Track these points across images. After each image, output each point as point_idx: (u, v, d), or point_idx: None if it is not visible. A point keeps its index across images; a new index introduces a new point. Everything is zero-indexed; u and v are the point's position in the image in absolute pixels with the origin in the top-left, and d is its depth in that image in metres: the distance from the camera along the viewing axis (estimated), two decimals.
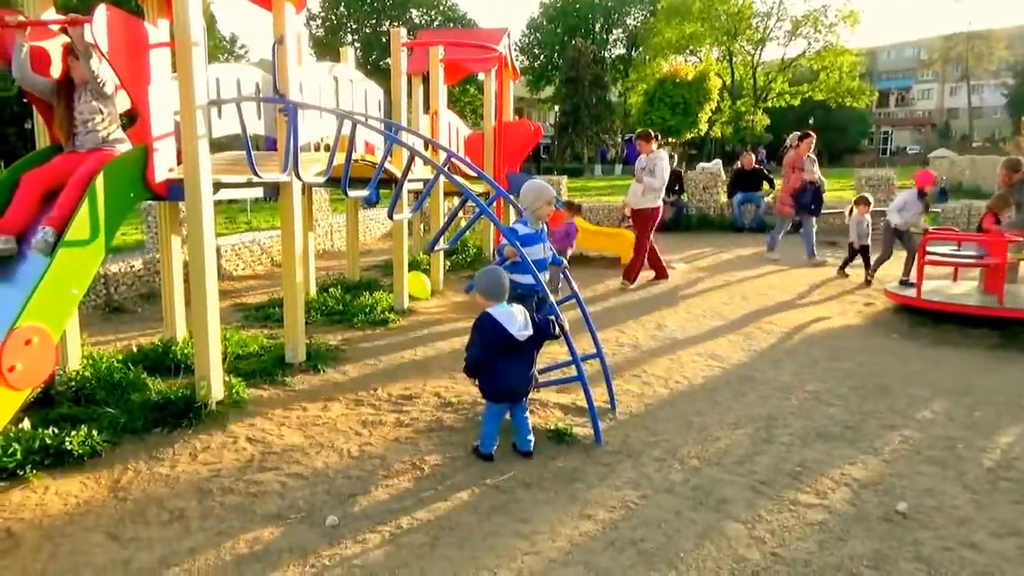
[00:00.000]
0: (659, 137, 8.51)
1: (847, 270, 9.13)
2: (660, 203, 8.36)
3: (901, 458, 3.86)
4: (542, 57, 54.05)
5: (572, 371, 4.27)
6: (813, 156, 10.40)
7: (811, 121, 49.12)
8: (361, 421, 4.31)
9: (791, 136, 13.40)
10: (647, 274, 9.03)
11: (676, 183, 13.77)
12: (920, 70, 70.89)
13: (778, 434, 4.15)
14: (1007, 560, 2.93)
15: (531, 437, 3.82)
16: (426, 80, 8.65)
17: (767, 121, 44.94)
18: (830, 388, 4.96)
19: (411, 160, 4.95)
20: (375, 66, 43.45)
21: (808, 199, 10.15)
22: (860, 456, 3.87)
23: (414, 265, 8.55)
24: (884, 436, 4.15)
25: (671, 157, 14.47)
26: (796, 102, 46.19)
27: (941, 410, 4.56)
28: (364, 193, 5.71)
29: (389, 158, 5.70)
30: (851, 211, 9.04)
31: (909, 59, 72.04)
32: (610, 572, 2.82)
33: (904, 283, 7.57)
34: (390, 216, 5.82)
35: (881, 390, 4.92)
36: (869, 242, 8.77)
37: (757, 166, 14.22)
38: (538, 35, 54.28)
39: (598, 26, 54.48)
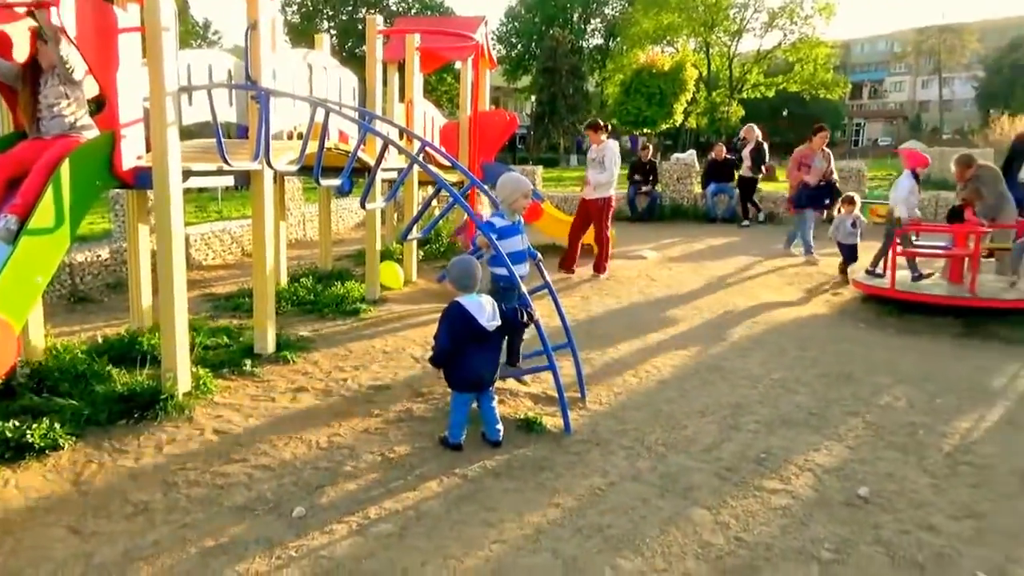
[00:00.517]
0: (608, 128, 8.47)
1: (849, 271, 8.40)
2: (612, 193, 8.30)
3: (864, 444, 3.93)
4: (519, 46, 53.91)
5: (547, 361, 4.29)
6: (827, 151, 9.93)
7: (785, 113, 49.60)
8: (330, 412, 4.30)
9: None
10: (619, 263, 9.09)
11: (651, 173, 13.84)
12: (893, 63, 71.73)
13: (745, 422, 4.21)
14: (963, 542, 3.00)
15: (500, 427, 3.83)
16: (402, 68, 8.58)
17: (742, 112, 45.24)
18: (797, 376, 5.03)
19: (384, 149, 4.92)
20: (351, 54, 43.02)
21: (804, 201, 9.70)
22: (824, 442, 3.94)
23: (387, 255, 8.52)
24: (848, 423, 4.22)
25: (645, 148, 14.58)
26: (771, 93, 46.55)
27: (903, 397, 4.65)
28: (337, 182, 5.67)
29: (363, 147, 5.66)
30: (839, 209, 8.84)
31: (882, 52, 72.88)
32: (577, 558, 2.85)
33: (871, 273, 7.63)
34: (362, 205, 5.78)
35: (846, 378, 5.00)
36: (857, 240, 8.45)
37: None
38: (516, 24, 54.12)
39: (576, 15, 54.41)
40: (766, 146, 13.06)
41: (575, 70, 44.54)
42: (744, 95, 46.85)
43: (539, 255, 4.64)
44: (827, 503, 3.30)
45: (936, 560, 2.87)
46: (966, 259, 7.01)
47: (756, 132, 13.04)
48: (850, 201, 8.60)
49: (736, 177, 13.59)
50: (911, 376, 5.05)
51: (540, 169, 15.26)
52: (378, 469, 3.58)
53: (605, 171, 8.13)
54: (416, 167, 5.04)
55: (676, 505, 3.27)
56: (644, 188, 13.75)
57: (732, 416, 4.29)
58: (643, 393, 4.70)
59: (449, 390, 3.86)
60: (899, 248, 7.06)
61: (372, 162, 5.87)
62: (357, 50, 43.32)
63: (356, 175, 7.59)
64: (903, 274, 7.20)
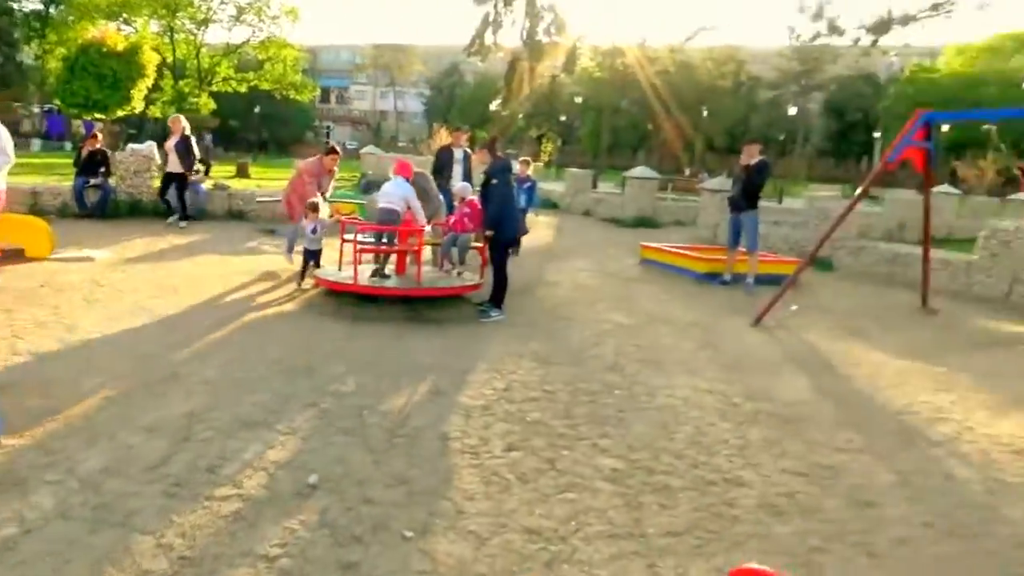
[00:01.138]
0: None
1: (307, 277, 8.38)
2: (3, 185, 6.84)
3: (317, 433, 4.12)
4: None
5: None
6: (336, 170, 9.74)
7: (257, 110, 50.02)
8: None
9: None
10: (57, 267, 7.85)
11: (101, 164, 12.32)
12: (355, 73, 78.38)
13: (199, 430, 4.00)
14: (396, 507, 3.37)
15: None
16: None
17: (213, 105, 43.90)
18: (259, 375, 5.01)
19: None
20: None
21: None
22: (279, 438, 4.00)
23: None
24: (304, 414, 4.37)
25: (94, 136, 12.98)
26: (243, 89, 46.25)
27: (354, 383, 5.02)
28: None
29: None
30: (305, 215, 8.64)
31: (347, 61, 78.98)
32: None
33: (379, 274, 7.81)
34: None
35: (306, 371, 5.18)
36: (320, 245, 8.40)
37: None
38: None
39: None
40: (195, 139, 12.55)
41: (4, 35, 37.11)
42: (215, 88, 45.50)
43: None
44: (278, 498, 3.35)
45: (373, 530, 3.15)
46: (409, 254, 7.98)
47: (183, 123, 12.17)
48: (314, 208, 8.76)
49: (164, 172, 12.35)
50: (361, 362, 5.50)
51: None
52: None
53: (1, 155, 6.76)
54: None
55: (112, 538, 2.92)
56: (94, 181, 12.16)
57: (186, 427, 4.04)
58: (77, 416, 4.10)
59: None
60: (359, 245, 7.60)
61: None
62: None
63: None
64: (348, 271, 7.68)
